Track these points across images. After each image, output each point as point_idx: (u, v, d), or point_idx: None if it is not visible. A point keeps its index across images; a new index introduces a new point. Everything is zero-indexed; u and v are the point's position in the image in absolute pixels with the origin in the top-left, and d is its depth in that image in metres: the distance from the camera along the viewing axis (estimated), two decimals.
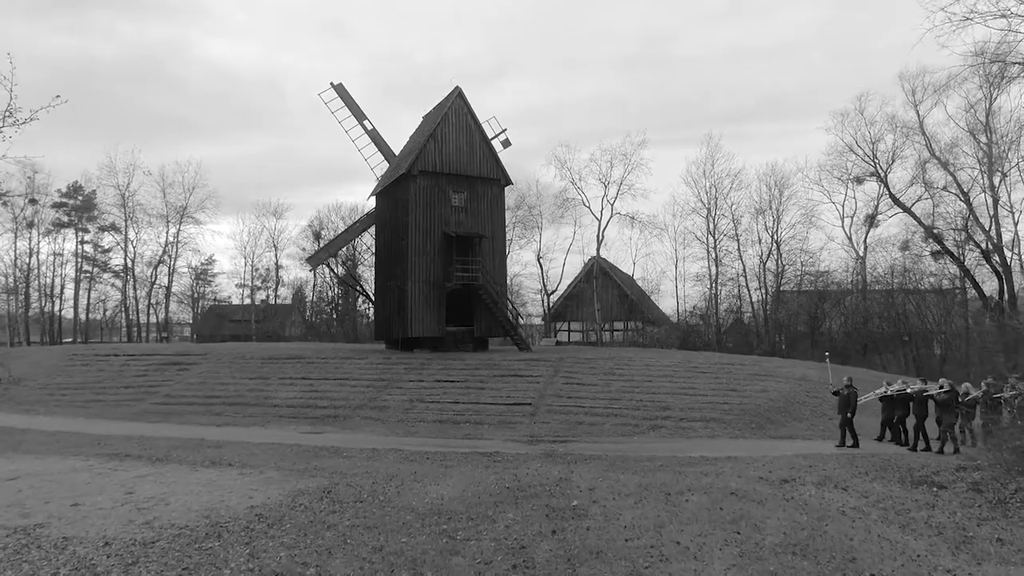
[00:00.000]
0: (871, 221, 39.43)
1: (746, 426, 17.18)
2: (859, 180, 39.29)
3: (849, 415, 14.56)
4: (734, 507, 9.12)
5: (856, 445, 14.43)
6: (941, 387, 13.86)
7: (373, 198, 34.34)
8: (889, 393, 14.91)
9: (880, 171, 38.09)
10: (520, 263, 53.49)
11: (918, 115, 36.37)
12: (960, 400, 14.17)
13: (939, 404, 13.73)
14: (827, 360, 17.69)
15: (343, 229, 39.80)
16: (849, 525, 8.33)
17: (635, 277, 52.71)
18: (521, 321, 41.31)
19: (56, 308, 57.04)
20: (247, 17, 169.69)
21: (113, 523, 8.27)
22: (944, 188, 36.45)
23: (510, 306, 32.04)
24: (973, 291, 37.42)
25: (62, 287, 57.09)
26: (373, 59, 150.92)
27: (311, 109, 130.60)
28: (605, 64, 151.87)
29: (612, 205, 46.04)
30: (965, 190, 34.54)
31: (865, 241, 40.73)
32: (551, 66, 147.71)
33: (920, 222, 36.59)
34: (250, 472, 11.50)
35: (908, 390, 14.57)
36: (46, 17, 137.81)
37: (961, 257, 35.59)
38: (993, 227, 34.26)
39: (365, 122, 33.28)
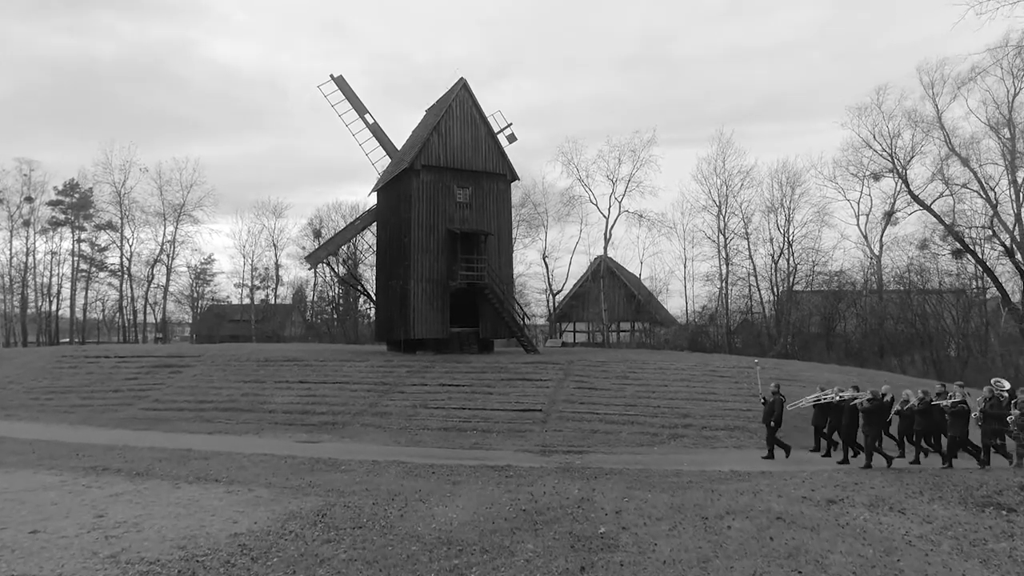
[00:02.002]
0: (889, 218, 38.22)
1: None
2: (876, 176, 38.04)
3: (773, 424, 13.59)
4: (785, 536, 8.00)
5: (771, 456, 13.52)
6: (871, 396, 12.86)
7: (374, 195, 33.25)
8: (823, 400, 13.86)
9: (898, 167, 36.91)
10: (524, 262, 52.38)
11: (936, 109, 35.21)
12: (900, 409, 13.36)
13: (863, 413, 12.64)
14: (756, 367, 16.57)
15: (343, 227, 38.66)
16: (923, 560, 7.21)
17: (643, 277, 51.61)
18: (528, 322, 40.21)
19: (53, 308, 56.05)
20: (248, 17, 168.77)
21: (74, 556, 7.18)
22: (963, 185, 35.27)
23: (516, 306, 30.91)
24: (992, 291, 36.26)
25: (59, 286, 56.10)
26: (373, 59, 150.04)
27: (312, 109, 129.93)
28: (605, 64, 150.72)
29: (620, 203, 44.97)
30: (991, 186, 33.38)
31: (881, 240, 39.57)
32: (551, 66, 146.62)
33: (941, 220, 35.36)
34: (237, 490, 10.40)
35: (836, 398, 13.49)
36: (46, 17, 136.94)
37: (982, 256, 34.37)
38: (1017, 225, 33.03)
39: (366, 116, 32.17)
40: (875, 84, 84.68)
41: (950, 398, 12.87)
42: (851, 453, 13.10)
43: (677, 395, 19.19)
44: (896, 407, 13.64)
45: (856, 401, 12.84)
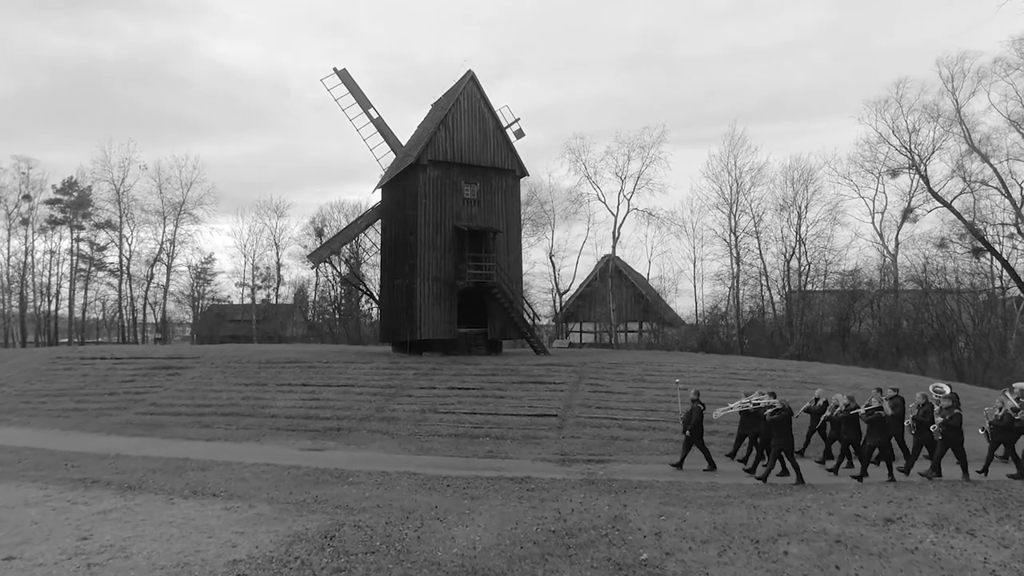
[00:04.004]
0: (906, 215, 37.15)
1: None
2: (894, 173, 37.00)
3: (690, 433, 12.77)
4: (851, 564, 7.13)
5: (712, 468, 12.75)
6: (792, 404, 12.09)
7: (378, 192, 32.35)
8: (748, 406, 12.99)
9: (917, 163, 35.86)
10: (528, 261, 51.34)
11: (956, 103, 34.22)
12: (830, 414, 12.73)
13: (770, 424, 11.80)
14: (677, 386, 15.81)
15: (346, 225, 37.79)
16: None
17: (651, 276, 50.65)
18: (539, 322, 39.31)
19: (52, 307, 55.20)
20: (250, 17, 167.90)
21: None
22: (983, 182, 34.32)
23: (526, 306, 30.02)
24: (1013, 290, 35.30)
25: (58, 286, 55.25)
26: (375, 59, 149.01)
27: (314, 108, 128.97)
28: (607, 64, 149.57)
29: (629, 200, 44.09)
30: (1017, 181, 32.40)
31: (897, 238, 38.54)
32: (554, 66, 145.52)
33: (961, 217, 34.36)
34: (237, 506, 9.53)
35: (752, 405, 12.66)
36: (48, 17, 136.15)
37: (1004, 255, 33.39)
38: None
39: (370, 110, 31.28)
40: (878, 85, 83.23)
41: (866, 405, 12.10)
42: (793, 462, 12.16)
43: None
44: (827, 412, 12.91)
45: (768, 410, 11.92)
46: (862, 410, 11.93)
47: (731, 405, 13.50)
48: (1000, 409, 12.09)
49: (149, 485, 10.79)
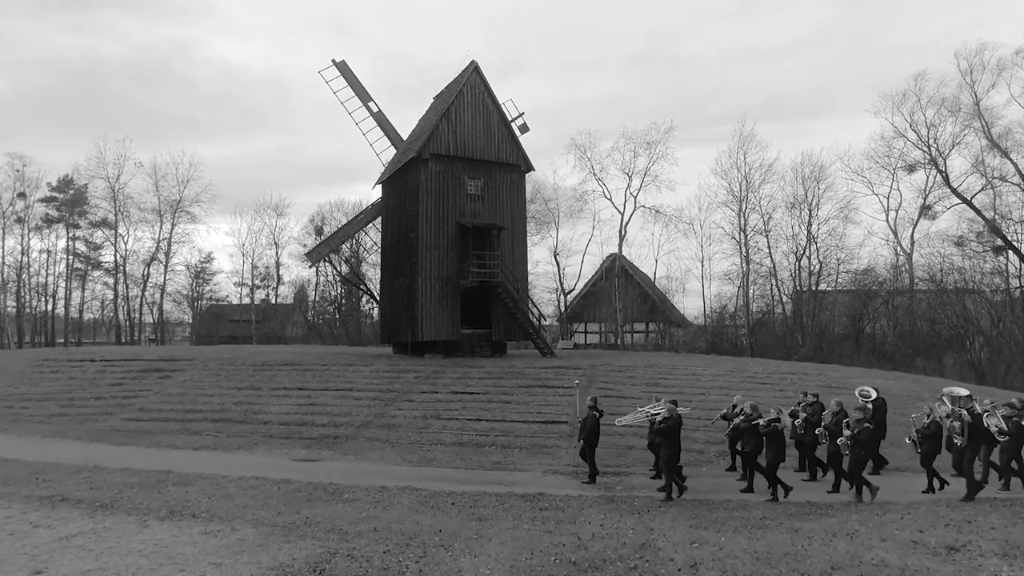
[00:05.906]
0: (925, 212, 35.94)
1: None
2: (911, 169, 35.89)
3: (580, 441, 12.05)
4: None
5: (592, 480, 11.91)
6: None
7: (379, 188, 31.36)
8: (646, 415, 12.23)
9: (935, 158, 34.71)
10: (532, 260, 50.31)
11: (975, 96, 33.11)
12: (738, 424, 11.59)
13: (656, 433, 11.08)
14: (576, 386, 15.01)
15: (345, 223, 36.77)
16: None
17: (658, 276, 49.52)
18: (545, 322, 38.32)
19: (49, 307, 54.24)
20: (252, 17, 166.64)
21: None
22: (1003, 178, 33.21)
23: (531, 306, 29.00)
24: None
25: (55, 286, 54.28)
26: (377, 58, 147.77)
27: (316, 109, 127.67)
28: (612, 63, 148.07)
29: (635, 198, 43.07)
30: None
31: (912, 236, 37.39)
32: (557, 66, 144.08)
33: (981, 214, 33.27)
34: (217, 530, 8.52)
35: (649, 414, 11.91)
36: (50, 16, 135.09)
37: None
38: None
39: (370, 103, 30.32)
40: (880, 85, 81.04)
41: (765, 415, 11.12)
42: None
43: (717, 405, 17.19)
44: (735, 420, 11.84)
45: (660, 418, 11.04)
46: (762, 421, 10.91)
47: (638, 410, 12.74)
48: (928, 416, 11.13)
49: (123, 503, 9.78)
